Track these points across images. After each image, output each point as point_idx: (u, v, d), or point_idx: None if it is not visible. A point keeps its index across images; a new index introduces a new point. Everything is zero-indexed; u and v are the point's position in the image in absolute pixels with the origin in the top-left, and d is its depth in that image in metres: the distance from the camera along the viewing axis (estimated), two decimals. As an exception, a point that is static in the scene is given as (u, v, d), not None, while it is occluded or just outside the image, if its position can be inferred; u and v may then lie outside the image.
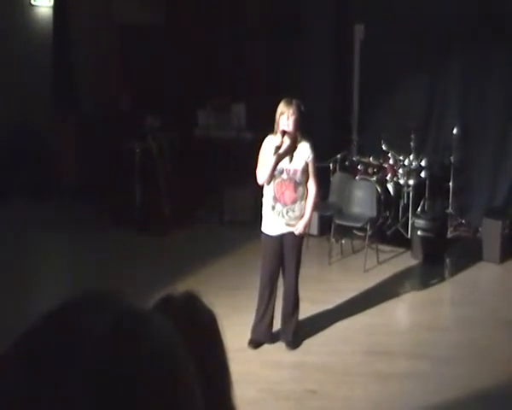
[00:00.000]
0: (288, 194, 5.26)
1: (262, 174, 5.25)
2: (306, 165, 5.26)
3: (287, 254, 5.34)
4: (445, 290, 7.18)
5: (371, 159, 8.21)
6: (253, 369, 4.97)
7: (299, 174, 5.25)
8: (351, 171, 8.25)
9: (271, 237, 5.32)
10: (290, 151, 5.24)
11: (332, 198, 7.95)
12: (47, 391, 0.63)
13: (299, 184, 5.26)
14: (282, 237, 5.30)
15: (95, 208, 8.82)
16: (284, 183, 5.25)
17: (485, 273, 7.35)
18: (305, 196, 5.30)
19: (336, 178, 8.13)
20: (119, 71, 10.15)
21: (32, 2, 9.90)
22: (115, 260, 7.30)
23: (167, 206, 8.60)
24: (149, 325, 0.70)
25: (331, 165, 8.34)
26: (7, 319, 5.38)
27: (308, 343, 5.55)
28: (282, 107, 5.21)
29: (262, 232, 5.38)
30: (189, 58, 9.69)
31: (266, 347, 5.47)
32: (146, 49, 9.67)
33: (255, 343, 5.46)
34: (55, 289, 6.95)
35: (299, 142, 5.26)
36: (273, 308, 5.46)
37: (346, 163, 8.44)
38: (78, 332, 0.66)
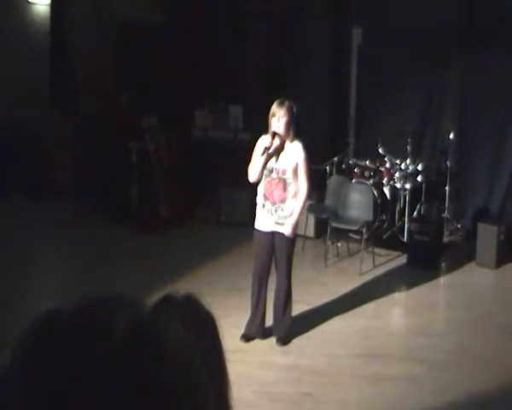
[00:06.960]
0: (277, 193, 5.28)
1: (252, 173, 5.31)
2: (297, 165, 5.27)
3: (277, 253, 5.38)
4: (441, 294, 7.20)
5: (368, 162, 8.22)
6: (248, 370, 4.97)
7: (288, 174, 5.26)
8: (347, 174, 8.26)
9: (262, 232, 5.37)
10: (279, 152, 5.26)
11: (328, 201, 7.95)
12: (61, 393, 0.62)
13: (289, 183, 5.27)
14: (272, 234, 5.33)
15: (92, 208, 8.80)
16: (273, 182, 5.28)
17: (480, 278, 7.36)
18: (295, 196, 5.30)
19: (333, 181, 8.14)
20: (117, 70, 10.13)
21: (30, -1, 9.90)
22: (112, 260, 7.29)
23: (164, 206, 8.60)
24: (167, 328, 0.69)
25: (328, 167, 8.35)
26: (5, 316, 5.38)
27: (303, 346, 5.56)
28: (273, 108, 5.25)
29: (254, 228, 5.42)
30: (188, 58, 9.68)
31: (261, 348, 5.48)
32: (144, 48, 9.66)
33: (247, 338, 5.51)
34: (53, 287, 6.95)
35: (292, 142, 5.27)
36: (264, 304, 5.51)
37: (343, 166, 8.45)
38: (96, 335, 0.65)
